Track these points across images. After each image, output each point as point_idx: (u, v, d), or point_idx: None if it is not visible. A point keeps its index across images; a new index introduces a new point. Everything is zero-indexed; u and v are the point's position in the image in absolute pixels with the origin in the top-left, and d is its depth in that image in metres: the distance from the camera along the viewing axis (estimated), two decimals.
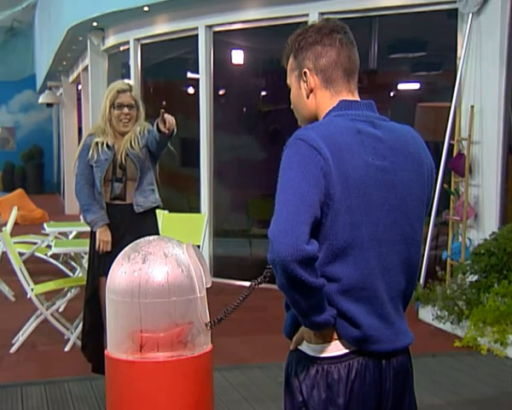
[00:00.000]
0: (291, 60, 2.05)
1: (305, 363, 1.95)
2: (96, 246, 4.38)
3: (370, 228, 1.89)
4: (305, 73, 2.00)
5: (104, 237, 4.37)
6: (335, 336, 1.91)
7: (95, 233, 4.42)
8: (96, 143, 4.38)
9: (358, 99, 2.01)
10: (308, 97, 2.02)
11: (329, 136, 1.87)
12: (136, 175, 4.38)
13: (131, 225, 4.37)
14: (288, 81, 2.10)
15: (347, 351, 1.91)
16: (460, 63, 6.44)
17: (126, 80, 4.65)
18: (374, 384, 1.92)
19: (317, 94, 2.00)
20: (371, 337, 1.90)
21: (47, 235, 8.50)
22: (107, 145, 4.37)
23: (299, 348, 1.98)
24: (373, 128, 1.94)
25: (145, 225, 4.38)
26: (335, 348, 1.91)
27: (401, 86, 9.56)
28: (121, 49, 10.53)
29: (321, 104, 2.00)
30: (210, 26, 8.43)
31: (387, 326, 1.94)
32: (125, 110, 4.36)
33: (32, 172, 23.07)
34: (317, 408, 1.92)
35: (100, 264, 4.35)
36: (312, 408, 1.93)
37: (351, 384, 1.90)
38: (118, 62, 11.15)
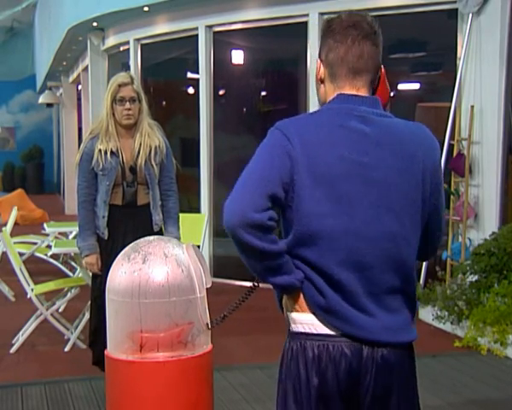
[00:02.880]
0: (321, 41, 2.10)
1: (289, 339, 2.01)
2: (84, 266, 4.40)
3: (342, 220, 1.90)
4: (318, 62, 2.05)
5: (89, 259, 4.36)
6: (313, 312, 1.95)
7: (99, 234, 4.40)
8: (100, 151, 4.28)
9: (362, 94, 2.00)
10: (319, 84, 2.08)
11: (305, 126, 1.95)
12: (149, 191, 4.38)
13: (146, 224, 4.36)
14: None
15: (327, 333, 1.93)
16: (460, 63, 6.44)
17: (128, 72, 4.55)
18: (350, 373, 1.92)
19: (326, 84, 2.05)
20: (338, 314, 1.91)
21: (47, 235, 8.50)
22: (112, 151, 4.29)
23: (289, 327, 2.02)
24: (361, 123, 1.94)
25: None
26: (316, 326, 1.95)
27: (401, 86, 9.55)
28: (121, 49, 10.53)
29: (327, 94, 2.05)
30: (210, 26, 8.43)
31: (365, 316, 1.93)
32: (127, 105, 4.27)
33: (32, 172, 23.08)
34: (293, 382, 1.96)
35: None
36: (289, 381, 1.97)
37: (324, 366, 1.92)
38: (118, 62, 11.14)
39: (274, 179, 1.89)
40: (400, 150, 1.95)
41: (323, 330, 1.94)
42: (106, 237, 4.35)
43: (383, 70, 2.07)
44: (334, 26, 2.01)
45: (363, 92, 2.01)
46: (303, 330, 1.96)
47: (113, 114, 4.32)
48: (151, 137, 4.35)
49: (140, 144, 4.33)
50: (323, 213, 1.90)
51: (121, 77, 4.38)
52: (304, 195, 1.90)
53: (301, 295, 1.96)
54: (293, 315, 1.99)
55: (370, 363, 1.94)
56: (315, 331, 1.95)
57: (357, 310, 1.92)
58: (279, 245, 1.92)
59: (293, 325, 1.99)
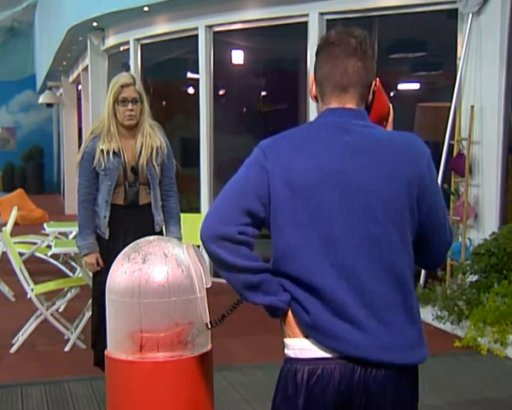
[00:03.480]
0: None
1: (283, 364, 1.99)
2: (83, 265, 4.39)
3: (320, 230, 1.90)
4: (311, 79, 2.07)
5: (88, 258, 4.35)
6: (305, 334, 1.93)
7: (99, 234, 4.40)
8: (102, 151, 4.28)
9: (347, 107, 2.00)
10: (315, 101, 2.09)
11: (283, 141, 1.98)
12: (150, 191, 4.38)
13: (147, 224, 4.36)
14: None
15: (319, 356, 1.91)
16: (460, 63, 6.44)
17: (130, 73, 4.54)
18: (338, 395, 1.89)
19: (319, 101, 2.07)
20: (324, 329, 1.89)
21: (47, 235, 8.50)
22: (114, 152, 4.29)
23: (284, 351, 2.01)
24: (342, 133, 1.95)
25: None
26: (306, 351, 1.92)
27: (401, 86, 9.55)
28: (121, 49, 10.53)
29: (319, 111, 2.06)
30: (210, 26, 8.43)
31: (355, 329, 1.88)
32: (129, 106, 4.27)
33: (32, 172, 23.07)
34: (281, 405, 1.96)
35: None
36: (277, 402, 1.97)
37: (311, 387, 1.90)
38: (118, 62, 11.15)
39: (249, 194, 1.93)
40: (380, 158, 1.93)
41: (315, 354, 1.91)
42: (107, 237, 4.35)
43: (378, 83, 2.05)
44: (321, 45, 2.03)
45: (351, 106, 2.00)
46: (294, 356, 1.94)
47: (115, 115, 4.32)
48: (152, 138, 4.37)
49: (141, 145, 4.34)
50: (300, 223, 1.90)
51: (123, 77, 4.38)
52: (280, 207, 1.92)
53: (291, 320, 1.95)
54: (286, 340, 1.98)
55: (362, 385, 1.88)
56: (306, 356, 1.92)
57: (346, 322, 1.88)
58: (255, 262, 1.93)
59: (285, 350, 1.98)
